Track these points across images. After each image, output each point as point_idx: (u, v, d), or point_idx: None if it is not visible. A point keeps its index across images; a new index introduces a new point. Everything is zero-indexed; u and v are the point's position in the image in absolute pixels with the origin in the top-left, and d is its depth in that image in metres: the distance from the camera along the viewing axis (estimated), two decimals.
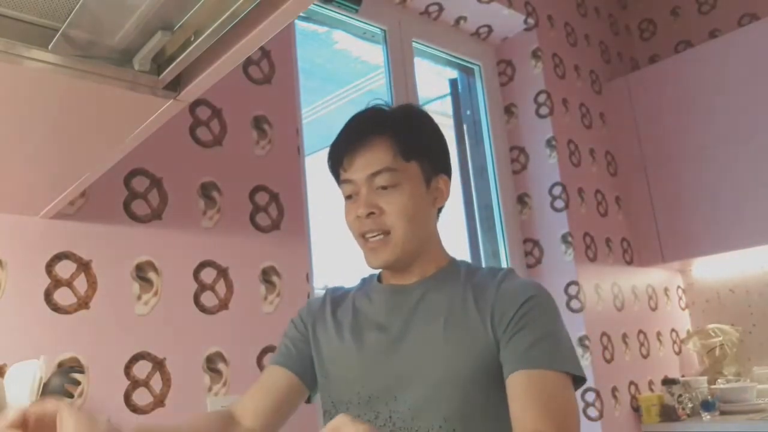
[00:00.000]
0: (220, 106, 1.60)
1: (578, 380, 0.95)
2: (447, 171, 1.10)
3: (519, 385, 0.91)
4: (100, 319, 1.31)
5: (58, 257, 1.28)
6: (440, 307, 1.02)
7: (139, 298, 1.37)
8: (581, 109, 2.64)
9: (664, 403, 2.39)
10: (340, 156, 1.05)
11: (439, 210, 1.11)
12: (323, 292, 1.21)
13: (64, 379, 1.12)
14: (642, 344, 2.52)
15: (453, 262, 1.11)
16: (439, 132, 1.10)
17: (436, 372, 0.96)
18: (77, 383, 1.17)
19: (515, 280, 1.03)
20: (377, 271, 1.15)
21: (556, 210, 2.38)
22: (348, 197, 1.06)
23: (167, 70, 0.77)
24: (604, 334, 2.34)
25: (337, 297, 1.15)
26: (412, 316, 1.03)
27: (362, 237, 1.03)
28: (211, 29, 0.69)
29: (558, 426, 0.86)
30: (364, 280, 1.18)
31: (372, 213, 1.01)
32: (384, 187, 1.01)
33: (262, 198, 1.63)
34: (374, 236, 1.02)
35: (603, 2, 3.03)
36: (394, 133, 1.03)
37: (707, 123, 2.51)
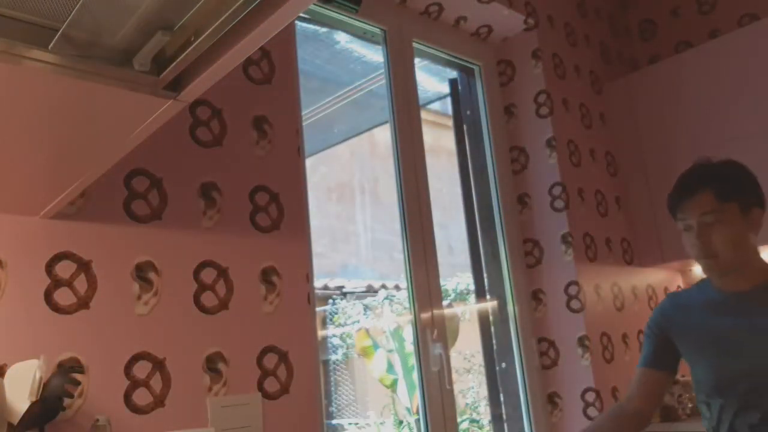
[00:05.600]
0: (220, 106, 1.60)
1: None
2: (761, 204, 1.45)
3: None
4: (100, 319, 1.31)
5: (58, 257, 1.29)
6: None
7: (139, 298, 1.37)
8: (581, 109, 2.64)
9: (664, 403, 2.39)
10: (675, 202, 1.49)
11: (757, 231, 1.45)
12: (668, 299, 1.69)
13: (64, 379, 1.12)
14: (642, 344, 2.52)
15: None
16: (752, 178, 1.47)
17: None
18: (77, 383, 1.17)
19: None
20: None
21: (556, 210, 2.38)
22: (685, 229, 1.47)
23: (167, 70, 0.77)
24: (604, 334, 2.34)
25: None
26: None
27: (697, 257, 1.45)
28: (211, 29, 0.69)
29: None
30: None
31: (702, 242, 1.42)
32: (710, 224, 1.41)
33: (262, 198, 1.63)
34: (705, 257, 1.43)
35: (603, 2, 3.03)
36: (715, 184, 1.43)
37: (707, 123, 2.51)
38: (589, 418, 2.20)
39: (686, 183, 1.50)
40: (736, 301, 1.46)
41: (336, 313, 5.53)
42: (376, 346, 4.65)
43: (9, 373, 1.09)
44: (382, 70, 2.21)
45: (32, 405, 1.04)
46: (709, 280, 1.53)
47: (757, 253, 1.47)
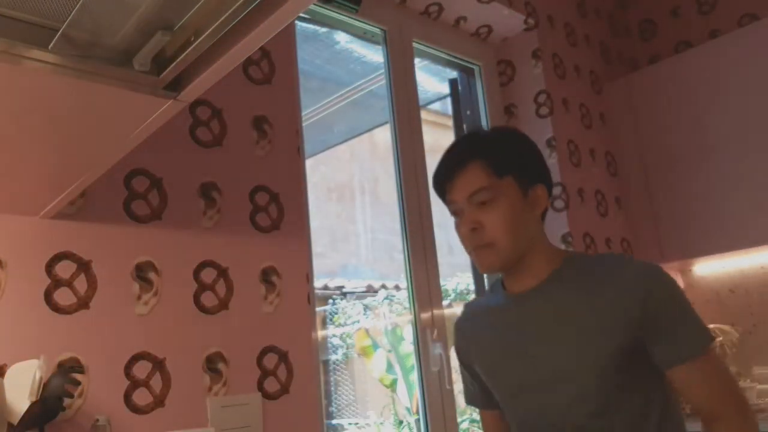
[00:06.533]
0: (220, 106, 1.60)
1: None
2: (543, 180, 1.17)
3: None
4: (100, 319, 1.31)
5: (58, 257, 1.29)
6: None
7: (139, 298, 1.37)
8: (581, 109, 2.64)
9: None
10: (441, 181, 1.17)
11: (543, 215, 1.19)
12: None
13: (64, 379, 1.12)
14: None
15: (567, 262, 1.15)
16: (532, 147, 1.20)
17: None
18: (77, 383, 1.17)
19: (631, 270, 1.08)
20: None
21: (556, 210, 2.38)
22: (454, 214, 1.17)
23: (167, 70, 0.77)
24: None
25: None
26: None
27: (471, 248, 1.15)
28: (211, 29, 0.69)
29: (736, 403, 1.04)
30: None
31: (475, 228, 1.12)
32: (482, 203, 1.11)
33: (262, 198, 1.63)
34: (480, 247, 1.12)
35: (603, 2, 3.03)
36: (486, 155, 1.13)
37: (707, 123, 2.51)
38: None
39: (452, 157, 1.17)
40: (520, 307, 1.15)
41: (336, 313, 5.52)
42: (375, 346, 4.65)
43: (9, 373, 1.09)
44: (382, 70, 2.21)
45: (32, 405, 1.04)
46: (502, 279, 1.22)
47: (543, 241, 1.17)
